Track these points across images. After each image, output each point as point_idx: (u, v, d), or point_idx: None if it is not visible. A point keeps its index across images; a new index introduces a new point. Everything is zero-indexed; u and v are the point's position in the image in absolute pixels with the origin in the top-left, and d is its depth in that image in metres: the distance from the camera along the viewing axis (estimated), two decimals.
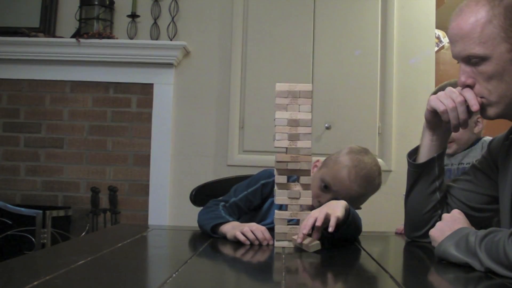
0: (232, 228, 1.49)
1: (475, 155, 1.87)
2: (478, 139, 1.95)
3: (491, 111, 1.22)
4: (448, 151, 1.91)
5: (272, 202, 1.68)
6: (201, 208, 1.70)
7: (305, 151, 1.36)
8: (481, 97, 1.21)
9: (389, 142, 3.33)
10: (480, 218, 1.40)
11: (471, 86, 1.22)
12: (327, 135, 3.31)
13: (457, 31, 1.21)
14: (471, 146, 1.94)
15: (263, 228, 1.45)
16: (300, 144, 1.36)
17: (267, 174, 1.74)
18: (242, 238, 1.42)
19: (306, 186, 1.36)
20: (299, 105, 1.37)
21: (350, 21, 3.36)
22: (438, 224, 1.26)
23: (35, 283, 0.86)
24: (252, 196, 1.73)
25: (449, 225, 1.21)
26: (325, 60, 3.34)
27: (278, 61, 3.34)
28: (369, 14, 3.36)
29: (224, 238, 1.50)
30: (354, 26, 3.36)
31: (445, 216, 1.27)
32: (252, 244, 1.41)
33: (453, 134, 1.88)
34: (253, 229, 1.43)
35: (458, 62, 1.24)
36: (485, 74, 1.18)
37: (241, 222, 1.58)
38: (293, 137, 1.36)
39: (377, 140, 3.33)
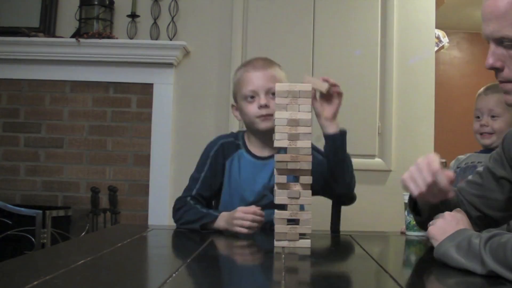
0: (227, 223, 1.58)
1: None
2: None
3: None
4: (486, 141, 1.96)
5: (231, 163, 1.77)
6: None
7: (305, 151, 1.36)
8: (509, 81, 1.16)
9: (389, 142, 3.33)
10: (496, 221, 1.38)
11: (499, 69, 1.16)
12: None
13: (492, 9, 1.13)
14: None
15: (250, 210, 1.55)
16: (300, 144, 1.36)
17: (211, 145, 1.82)
18: (244, 231, 1.53)
19: (306, 186, 1.36)
20: (299, 105, 1.37)
21: (350, 21, 3.36)
22: (439, 221, 1.22)
23: (35, 283, 0.86)
24: (210, 177, 1.77)
25: (452, 225, 1.18)
26: (325, 60, 3.34)
27: (278, 61, 3.32)
28: (369, 14, 3.36)
29: (215, 232, 1.60)
30: (354, 26, 3.36)
31: (446, 214, 1.23)
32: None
33: (494, 125, 1.94)
34: (243, 216, 1.54)
35: (488, 42, 1.18)
36: None
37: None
38: (293, 137, 1.36)
39: (377, 140, 3.33)
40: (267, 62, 1.81)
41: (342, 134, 1.68)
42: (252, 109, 1.72)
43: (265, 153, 1.77)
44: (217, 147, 1.80)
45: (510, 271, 0.97)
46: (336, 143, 1.66)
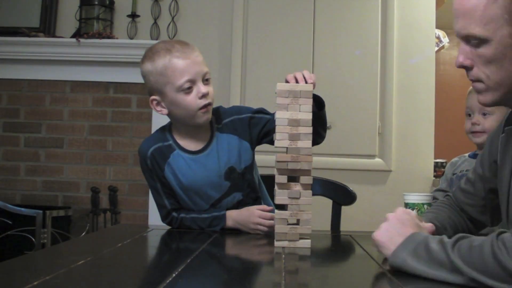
0: (239, 224, 1.60)
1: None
2: None
3: (488, 97, 1.13)
4: (478, 140, 1.92)
5: (170, 169, 1.63)
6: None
7: (306, 151, 1.36)
8: (479, 81, 1.12)
9: (389, 142, 3.33)
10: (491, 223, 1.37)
11: (468, 68, 1.12)
12: (327, 135, 3.29)
13: (459, 7, 1.10)
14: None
15: (268, 215, 1.56)
16: (300, 144, 1.36)
17: (142, 156, 1.67)
18: (264, 229, 1.57)
19: (306, 186, 1.36)
20: (300, 105, 1.37)
21: (350, 21, 3.36)
22: (383, 225, 1.12)
23: (35, 283, 0.86)
24: (165, 186, 1.65)
25: (397, 228, 1.08)
26: (325, 60, 3.34)
27: (278, 61, 3.34)
28: (369, 14, 3.36)
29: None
30: (354, 26, 3.36)
31: (390, 216, 1.13)
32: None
33: (485, 124, 1.90)
34: (260, 221, 1.56)
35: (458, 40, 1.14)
36: (483, 57, 1.09)
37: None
38: (293, 137, 1.36)
39: (377, 140, 3.33)
40: (189, 46, 1.60)
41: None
42: (193, 100, 1.55)
43: (199, 145, 1.65)
44: (149, 159, 1.65)
45: (495, 280, 0.89)
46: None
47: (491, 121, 1.89)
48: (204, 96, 1.56)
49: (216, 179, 1.65)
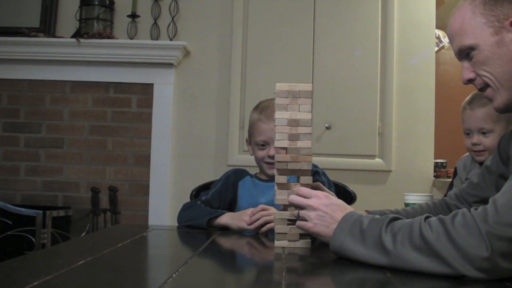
0: (232, 219, 1.62)
1: None
2: None
3: (499, 100, 1.20)
4: (481, 158, 1.88)
5: (243, 184, 1.86)
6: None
7: (305, 151, 1.35)
8: (486, 86, 1.21)
9: (389, 142, 3.33)
10: None
11: (473, 79, 1.22)
12: (327, 135, 3.31)
13: (449, 31, 1.25)
14: None
15: (259, 208, 1.59)
16: (300, 144, 1.35)
17: (231, 171, 1.92)
18: (252, 227, 1.56)
19: (306, 186, 1.35)
20: (299, 105, 1.37)
21: (350, 21, 3.36)
22: (312, 215, 1.17)
23: (35, 283, 0.86)
24: (221, 192, 1.85)
25: (329, 214, 1.15)
26: (325, 60, 3.34)
27: (278, 61, 3.34)
28: (369, 14, 3.36)
29: (221, 229, 1.61)
30: (354, 26, 3.36)
31: (314, 204, 1.18)
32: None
33: (486, 142, 1.86)
34: (256, 218, 1.57)
35: (461, 61, 1.25)
36: (478, 62, 1.20)
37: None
38: (293, 137, 1.36)
39: (377, 140, 3.33)
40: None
41: None
42: (261, 155, 1.81)
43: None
44: (230, 172, 1.91)
45: (416, 250, 0.99)
46: None
47: (491, 139, 1.85)
48: (271, 157, 1.77)
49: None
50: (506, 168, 1.34)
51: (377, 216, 1.10)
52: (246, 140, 1.93)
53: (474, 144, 1.89)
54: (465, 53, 1.22)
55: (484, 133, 1.87)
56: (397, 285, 0.95)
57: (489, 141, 1.86)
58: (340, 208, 1.17)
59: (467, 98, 1.95)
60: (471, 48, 1.19)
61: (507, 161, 1.33)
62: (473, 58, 1.20)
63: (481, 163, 1.90)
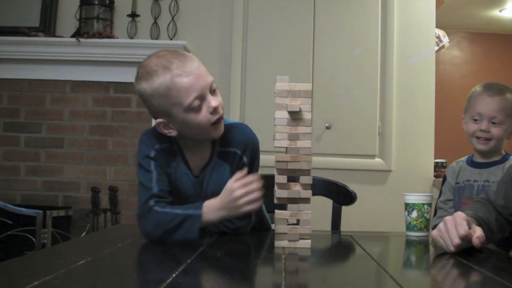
0: (226, 211, 1.42)
1: (500, 173, 1.76)
2: (506, 156, 1.87)
3: None
4: (483, 147, 1.84)
5: (173, 172, 1.53)
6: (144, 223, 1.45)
7: (305, 151, 1.35)
8: None
9: (389, 142, 3.33)
10: None
11: None
12: (327, 135, 3.31)
13: None
14: (499, 162, 1.85)
15: (247, 180, 1.40)
16: (300, 143, 1.36)
17: (143, 147, 1.57)
18: (256, 206, 1.41)
19: (306, 186, 1.36)
20: (299, 104, 1.37)
21: (350, 21, 3.36)
22: (440, 225, 1.28)
23: (35, 283, 0.86)
24: (162, 173, 1.51)
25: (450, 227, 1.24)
26: (325, 60, 3.34)
27: (278, 60, 3.34)
28: (369, 14, 3.36)
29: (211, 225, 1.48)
30: (354, 26, 3.36)
31: (447, 219, 1.28)
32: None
33: (493, 133, 1.82)
34: (246, 191, 1.39)
35: None
36: None
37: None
38: (293, 137, 1.36)
39: (377, 140, 3.33)
40: (187, 57, 1.48)
41: None
42: (204, 117, 1.45)
43: (201, 162, 1.55)
44: (154, 152, 1.54)
45: None
46: None
47: (500, 130, 1.82)
48: (215, 109, 1.45)
49: (199, 198, 1.52)
50: None
51: None
52: (159, 125, 1.52)
53: (482, 131, 1.83)
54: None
55: (494, 123, 1.82)
56: (394, 280, 0.96)
57: (496, 131, 1.82)
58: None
59: (482, 84, 1.89)
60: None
61: None
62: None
63: (480, 153, 1.88)
